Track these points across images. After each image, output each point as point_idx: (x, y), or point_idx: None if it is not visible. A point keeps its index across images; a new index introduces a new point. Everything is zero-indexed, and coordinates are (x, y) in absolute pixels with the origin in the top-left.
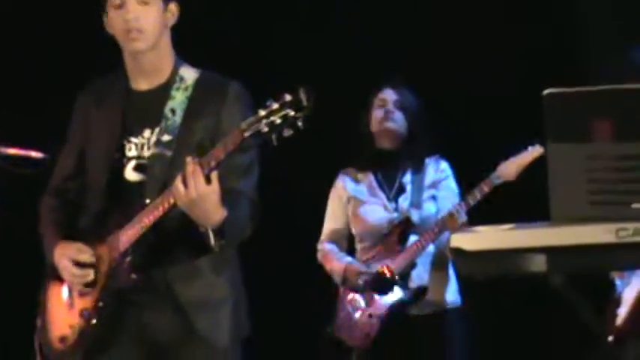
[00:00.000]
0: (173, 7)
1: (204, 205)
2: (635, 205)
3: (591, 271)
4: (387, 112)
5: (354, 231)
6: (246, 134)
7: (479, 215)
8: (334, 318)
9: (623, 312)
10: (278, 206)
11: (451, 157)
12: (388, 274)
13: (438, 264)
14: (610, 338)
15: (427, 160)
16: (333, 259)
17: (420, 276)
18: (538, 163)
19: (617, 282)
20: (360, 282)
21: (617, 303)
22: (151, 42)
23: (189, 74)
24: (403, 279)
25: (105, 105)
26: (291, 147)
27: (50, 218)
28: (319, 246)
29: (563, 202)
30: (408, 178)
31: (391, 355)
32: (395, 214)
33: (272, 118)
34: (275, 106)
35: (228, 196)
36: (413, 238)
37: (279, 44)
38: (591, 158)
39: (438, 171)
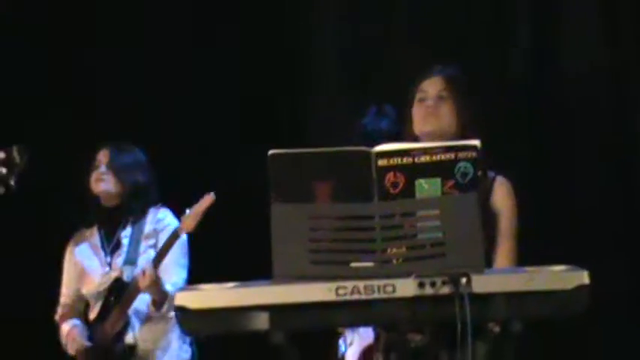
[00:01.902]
0: None
1: None
2: (353, 264)
3: (312, 328)
4: (99, 174)
5: (84, 292)
6: None
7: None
8: None
9: None
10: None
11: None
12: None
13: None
14: None
15: (150, 210)
16: (64, 322)
17: (132, 333)
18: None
19: (341, 340)
20: None
21: None
22: None
23: None
24: (119, 337)
25: None
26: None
27: None
28: (58, 309)
29: (285, 261)
30: (127, 231)
31: None
32: (107, 269)
33: None
34: None
35: None
36: None
37: None
38: (312, 218)
39: (155, 220)
